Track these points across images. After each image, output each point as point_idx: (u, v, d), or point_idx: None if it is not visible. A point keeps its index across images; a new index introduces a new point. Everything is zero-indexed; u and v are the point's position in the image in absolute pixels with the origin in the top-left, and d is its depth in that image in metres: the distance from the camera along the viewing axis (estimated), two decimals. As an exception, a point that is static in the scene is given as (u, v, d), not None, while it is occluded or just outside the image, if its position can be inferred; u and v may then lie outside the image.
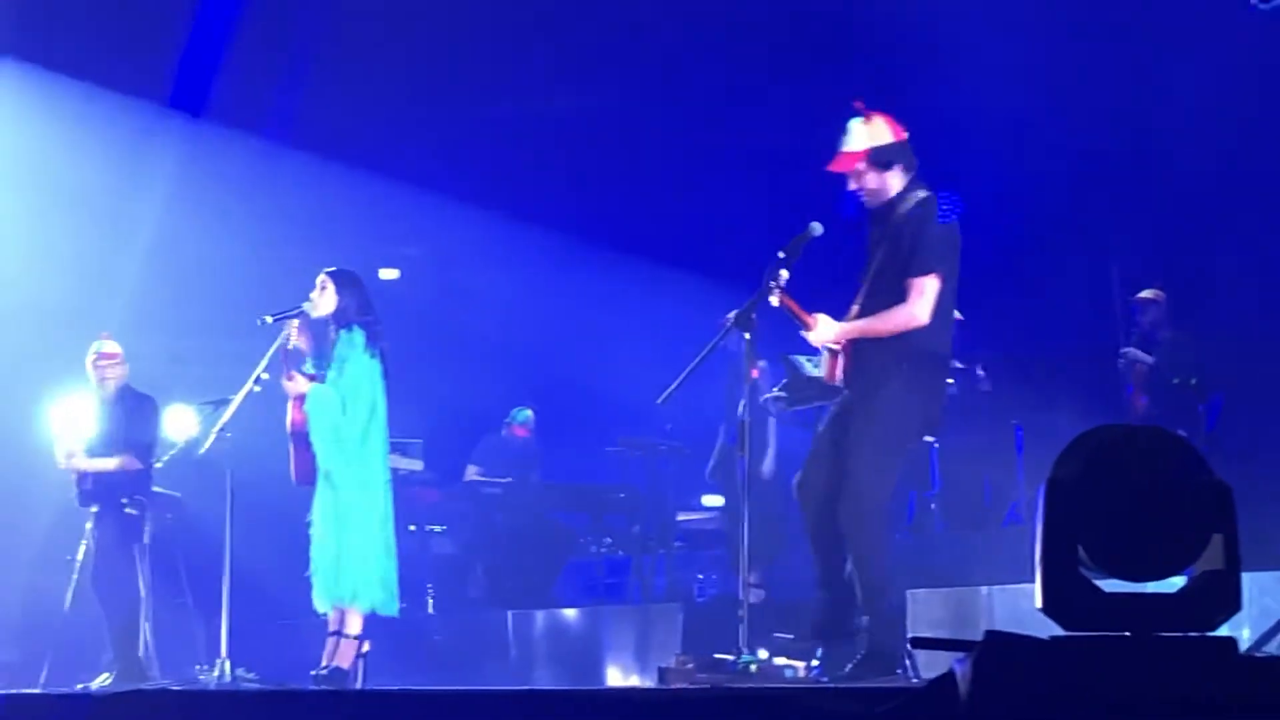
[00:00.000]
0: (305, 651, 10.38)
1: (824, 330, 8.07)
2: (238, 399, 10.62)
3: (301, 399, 9.85)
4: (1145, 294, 12.31)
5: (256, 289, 13.07)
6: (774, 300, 8.03)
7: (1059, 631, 4.32)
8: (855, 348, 8.03)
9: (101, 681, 11.36)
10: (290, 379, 9.90)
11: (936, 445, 12.66)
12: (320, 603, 9.87)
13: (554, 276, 15.49)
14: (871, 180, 8.02)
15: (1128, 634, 4.29)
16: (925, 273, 7.83)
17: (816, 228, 8.47)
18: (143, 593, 11.73)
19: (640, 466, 14.40)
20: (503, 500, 14.67)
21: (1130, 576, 4.41)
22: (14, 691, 8.90)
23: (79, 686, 11.32)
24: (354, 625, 9.85)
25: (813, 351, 9.14)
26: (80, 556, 11.84)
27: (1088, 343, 12.90)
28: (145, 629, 11.74)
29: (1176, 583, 4.48)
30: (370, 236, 15.97)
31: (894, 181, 8.01)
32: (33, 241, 14.21)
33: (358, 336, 9.89)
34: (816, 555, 8.18)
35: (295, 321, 9.98)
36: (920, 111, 14.17)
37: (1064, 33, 13.23)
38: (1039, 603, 4.39)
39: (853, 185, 8.08)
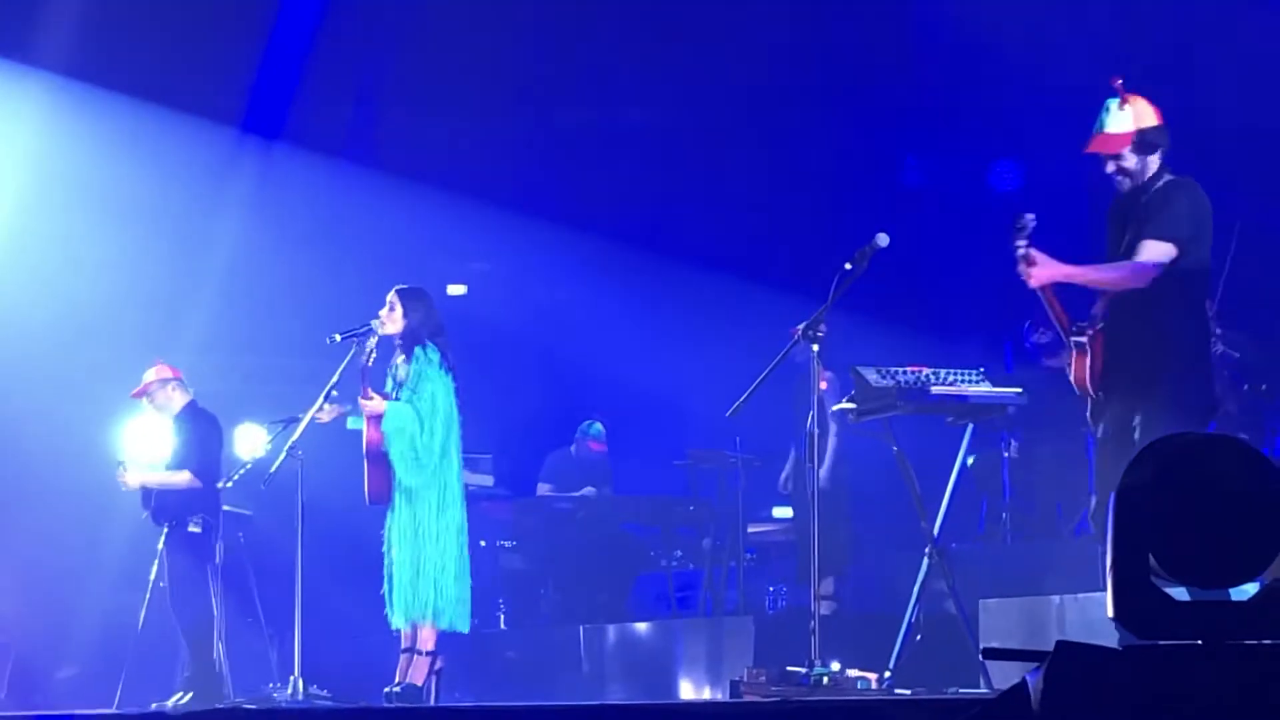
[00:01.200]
0: (378, 669, 10.40)
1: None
2: (307, 417, 10.66)
3: (379, 418, 9.86)
4: None
5: (326, 307, 13.14)
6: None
7: (1131, 640, 4.29)
8: (1108, 342, 7.77)
9: (177, 700, 11.41)
10: (368, 397, 9.90)
11: (1008, 455, 12.62)
12: (397, 619, 9.87)
13: (622, 290, 15.49)
14: (1133, 162, 7.79)
15: (1199, 642, 4.25)
16: (1159, 237, 7.59)
17: (883, 238, 8.46)
18: (215, 611, 11.78)
19: (710, 479, 14.36)
20: (573, 515, 14.67)
21: (1202, 584, 4.38)
22: (91, 712, 8.96)
23: (153, 706, 11.39)
24: (428, 642, 9.84)
25: (880, 362, 9.13)
26: (152, 576, 11.91)
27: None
28: (219, 647, 11.79)
29: (1249, 590, 4.45)
30: (438, 252, 16.02)
31: (1153, 164, 7.79)
32: (109, 263, 14.34)
33: (433, 354, 9.91)
34: None
35: (374, 339, 9.99)
36: (986, 116, 14.28)
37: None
38: (1110, 612, 4.35)
39: (1110, 168, 7.84)
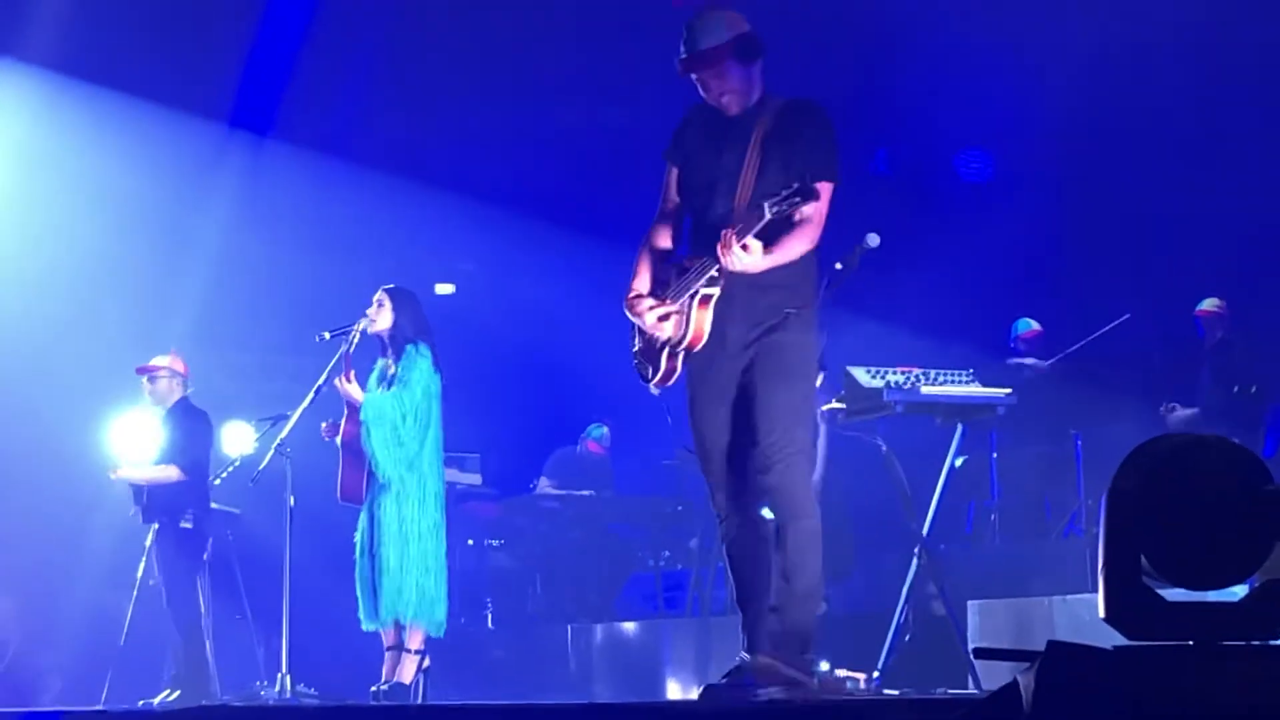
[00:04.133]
0: (365, 667, 10.40)
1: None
2: (296, 414, 10.68)
3: (357, 410, 9.86)
4: (1208, 306, 12.11)
5: (314, 305, 13.15)
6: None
7: (1121, 641, 4.31)
8: None
9: (164, 698, 11.41)
10: (348, 380, 9.90)
11: (996, 455, 12.65)
12: (371, 621, 9.86)
13: (610, 290, 15.46)
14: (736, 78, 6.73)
15: (1190, 643, 4.27)
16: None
17: (873, 239, 8.48)
18: (203, 609, 11.78)
19: (698, 479, 14.34)
20: (561, 514, 14.69)
21: (1193, 585, 4.39)
22: (78, 709, 8.97)
23: (140, 703, 11.40)
24: (415, 640, 9.84)
25: (872, 363, 9.15)
26: (140, 574, 11.91)
27: (1147, 350, 12.84)
28: (206, 645, 11.79)
29: (1239, 591, 4.47)
30: (426, 250, 16.02)
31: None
32: (95, 258, 14.33)
33: (425, 351, 9.93)
34: None
35: (360, 325, 9.99)
36: (974, 108, 14.27)
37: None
38: (1102, 612, 4.36)
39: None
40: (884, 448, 9.54)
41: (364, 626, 9.92)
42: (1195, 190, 13.27)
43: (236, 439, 12.19)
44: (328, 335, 10.10)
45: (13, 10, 13.41)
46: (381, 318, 9.99)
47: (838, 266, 8.54)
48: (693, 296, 6.60)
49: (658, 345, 6.74)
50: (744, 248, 6.36)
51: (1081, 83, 13.44)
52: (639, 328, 6.82)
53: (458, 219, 15.52)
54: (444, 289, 16.61)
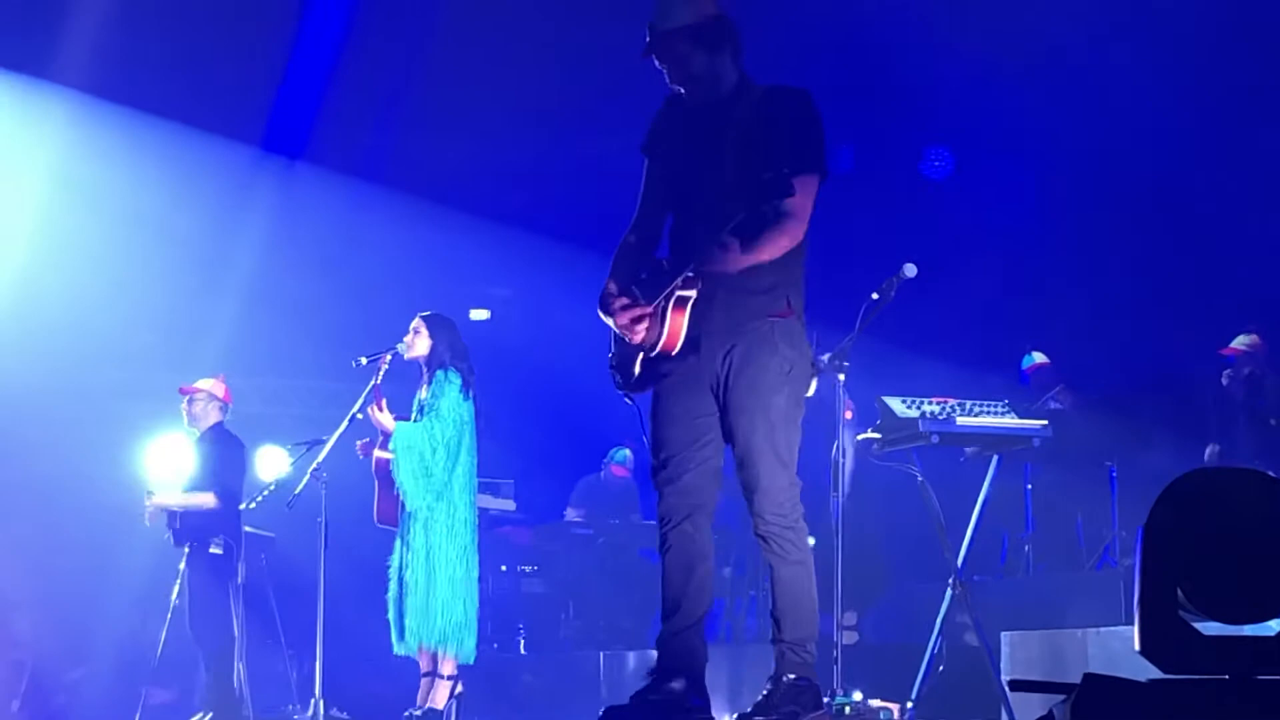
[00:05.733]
0: (399, 692, 10.46)
1: None
2: (331, 440, 10.71)
3: (388, 437, 9.94)
4: (1240, 343, 12.04)
5: (350, 330, 13.22)
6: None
7: (1155, 674, 4.36)
8: None
9: (196, 720, 11.49)
10: (380, 409, 9.97)
11: (1030, 487, 12.68)
12: (402, 646, 9.91)
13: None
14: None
15: (1226, 677, 4.32)
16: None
17: (910, 269, 8.43)
18: (236, 632, 11.84)
19: (731, 507, 14.38)
20: (593, 540, 14.74)
21: (1229, 619, 4.43)
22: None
23: (174, 726, 11.48)
24: (448, 666, 9.90)
25: (907, 392, 9.18)
26: (174, 597, 11.98)
27: (1180, 382, 12.84)
28: (239, 668, 11.84)
29: (1275, 625, 4.50)
30: (461, 277, 16.08)
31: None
32: (130, 281, 14.39)
33: (454, 378, 9.97)
34: None
35: (388, 355, 10.06)
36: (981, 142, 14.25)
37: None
38: (1137, 645, 4.41)
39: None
40: (920, 478, 9.56)
41: (395, 651, 9.99)
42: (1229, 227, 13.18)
43: (271, 463, 12.24)
44: (364, 360, 10.16)
45: (48, 33, 13.51)
46: (418, 344, 10.06)
47: (874, 296, 8.54)
48: (668, 298, 6.27)
49: (630, 348, 6.43)
50: (720, 245, 6.10)
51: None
52: (614, 333, 6.47)
53: (493, 245, 15.58)
54: (479, 315, 16.67)
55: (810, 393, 6.40)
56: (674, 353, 6.29)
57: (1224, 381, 11.82)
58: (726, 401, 6.26)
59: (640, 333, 6.31)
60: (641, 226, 6.61)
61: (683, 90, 6.39)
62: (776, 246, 6.16)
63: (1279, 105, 12.87)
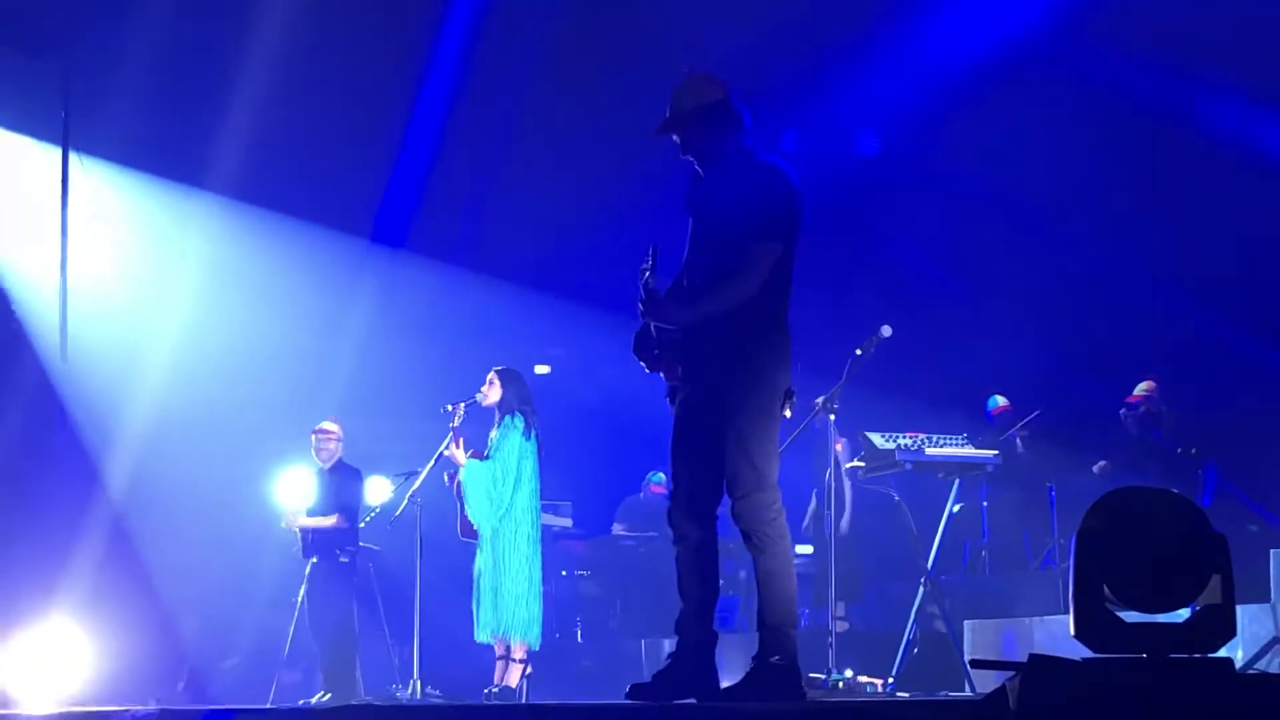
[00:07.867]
0: (480, 673, 10.43)
1: None
2: (424, 472, 10.82)
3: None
4: (1140, 389, 11.71)
5: (439, 381, 13.26)
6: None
7: (1087, 653, 4.32)
8: None
9: (319, 698, 11.45)
10: (456, 446, 10.07)
11: (986, 503, 12.61)
12: (481, 635, 9.96)
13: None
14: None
15: (1144, 655, 4.29)
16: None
17: (886, 330, 8.46)
18: (356, 626, 11.83)
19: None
20: (635, 550, 14.72)
21: (1146, 609, 4.41)
22: (249, 708, 9.00)
23: (300, 702, 11.44)
24: (519, 651, 9.91)
25: (886, 429, 9.17)
26: (300, 598, 11.97)
27: (1107, 416, 12.71)
28: (356, 656, 11.82)
29: (1184, 614, 4.48)
30: (528, 338, 16.12)
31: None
32: (263, 348, 14.48)
33: (518, 422, 10.01)
34: None
35: (464, 404, 10.14)
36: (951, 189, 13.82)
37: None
38: (1072, 631, 4.39)
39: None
40: (896, 498, 9.54)
41: (476, 639, 10.00)
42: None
43: (377, 490, 12.25)
44: (450, 407, 10.23)
45: (197, 151, 13.61)
46: (492, 393, 10.11)
47: (857, 352, 8.56)
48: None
49: (648, 339, 6.17)
50: (679, 302, 5.90)
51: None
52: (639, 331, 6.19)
53: (552, 314, 15.64)
54: (542, 369, 16.69)
55: (788, 414, 6.07)
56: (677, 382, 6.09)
57: (1122, 418, 11.68)
58: (711, 421, 6.00)
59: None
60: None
61: (695, 163, 6.18)
62: (715, 306, 5.87)
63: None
